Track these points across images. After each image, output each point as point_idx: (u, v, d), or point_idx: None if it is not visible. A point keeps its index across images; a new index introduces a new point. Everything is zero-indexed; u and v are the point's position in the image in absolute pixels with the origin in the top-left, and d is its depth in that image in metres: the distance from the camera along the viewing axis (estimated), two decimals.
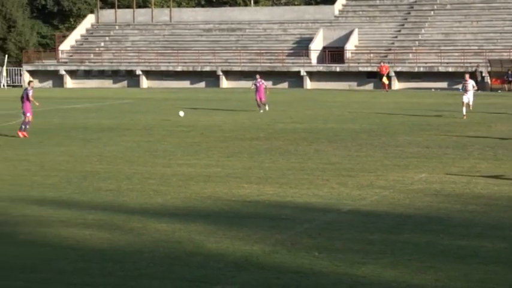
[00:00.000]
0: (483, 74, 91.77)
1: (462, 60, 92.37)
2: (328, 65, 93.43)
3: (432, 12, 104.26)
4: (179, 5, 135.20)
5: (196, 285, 16.94)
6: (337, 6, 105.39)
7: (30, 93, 46.09)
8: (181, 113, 35.04)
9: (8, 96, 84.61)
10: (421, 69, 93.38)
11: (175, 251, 20.01)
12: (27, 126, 41.34)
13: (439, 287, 17.21)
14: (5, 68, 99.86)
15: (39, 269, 18.51)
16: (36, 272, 18.33)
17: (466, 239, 21.23)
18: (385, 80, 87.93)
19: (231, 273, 18.00)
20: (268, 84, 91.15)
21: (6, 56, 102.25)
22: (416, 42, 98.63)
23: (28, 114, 41.82)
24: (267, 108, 62.77)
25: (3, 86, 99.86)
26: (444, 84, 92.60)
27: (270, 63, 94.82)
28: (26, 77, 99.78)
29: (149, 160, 36.15)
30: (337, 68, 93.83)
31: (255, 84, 63.14)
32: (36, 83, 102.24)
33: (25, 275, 18.05)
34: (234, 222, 23.40)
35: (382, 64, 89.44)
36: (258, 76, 64.81)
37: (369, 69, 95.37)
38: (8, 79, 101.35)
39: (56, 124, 54.17)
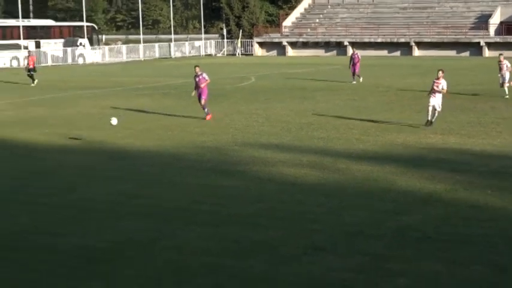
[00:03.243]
0: None
1: None
2: (504, 36, 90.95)
3: None
4: None
5: (389, 215, 17.06)
6: None
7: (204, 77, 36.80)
8: (114, 121, 28.15)
9: (242, 62, 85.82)
10: None
11: (373, 187, 20.14)
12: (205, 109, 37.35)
13: None
14: (239, 40, 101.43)
15: (265, 200, 18.95)
16: (263, 202, 18.79)
17: None
18: None
19: (418, 207, 18.03)
20: (451, 53, 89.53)
21: (241, 30, 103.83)
22: None
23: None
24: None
25: (238, 54, 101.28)
26: None
27: (455, 35, 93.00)
28: (256, 48, 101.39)
29: (353, 114, 36.12)
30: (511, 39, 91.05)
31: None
32: (263, 52, 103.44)
33: (253, 205, 18.51)
34: (421, 165, 23.28)
35: None
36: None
37: None
38: (242, 49, 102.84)
39: (279, 85, 54.55)
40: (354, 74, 56.11)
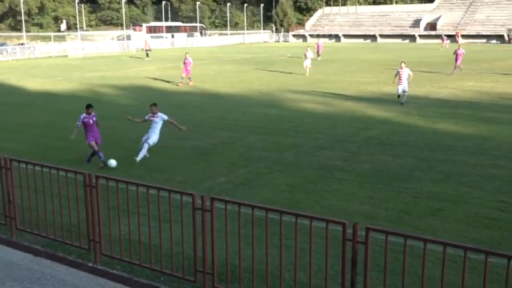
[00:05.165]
0: None
1: None
2: (428, 31, 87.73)
3: None
4: None
5: (361, 130, 16.83)
6: None
7: None
8: (113, 163, 12.68)
9: (283, 46, 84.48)
10: None
11: (353, 115, 19.90)
12: None
13: (487, 137, 16.34)
14: (282, 33, 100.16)
15: (293, 121, 18.79)
16: (292, 122, 18.64)
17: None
18: None
19: (378, 125, 17.72)
20: (398, 40, 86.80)
21: (283, 28, 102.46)
22: None
23: None
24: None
25: (281, 41, 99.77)
26: None
27: (401, 30, 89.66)
28: (291, 38, 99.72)
29: (343, 74, 35.31)
30: None
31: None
32: (295, 40, 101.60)
33: (286, 124, 18.33)
34: (380, 102, 22.82)
35: None
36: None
37: None
38: (283, 38, 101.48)
39: (302, 57, 53.20)
40: (318, 54, 48.74)
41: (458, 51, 34.24)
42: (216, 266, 6.52)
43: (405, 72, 21.84)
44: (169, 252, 6.94)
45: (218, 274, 6.65)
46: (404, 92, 21.92)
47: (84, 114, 13.01)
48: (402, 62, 22.51)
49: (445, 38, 68.90)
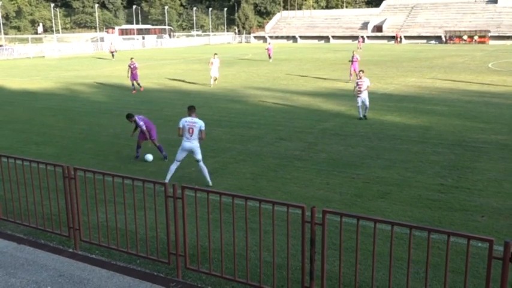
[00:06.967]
0: None
1: None
2: (375, 32, 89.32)
3: None
4: None
5: (317, 122, 16.92)
6: None
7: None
8: (149, 157, 12.52)
9: (245, 46, 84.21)
10: None
11: (310, 109, 19.96)
12: None
13: (425, 126, 16.64)
14: (244, 35, 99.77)
15: (256, 115, 18.73)
16: (255, 116, 18.58)
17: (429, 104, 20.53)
18: None
19: (332, 118, 17.83)
20: (349, 41, 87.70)
21: (245, 30, 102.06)
22: None
23: None
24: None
25: (243, 42, 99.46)
26: None
27: (351, 32, 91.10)
28: (252, 39, 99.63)
29: (300, 72, 35.47)
30: None
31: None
32: (256, 41, 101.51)
33: (250, 117, 18.26)
34: (334, 97, 23.00)
35: None
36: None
37: None
38: (245, 40, 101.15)
39: (263, 57, 53.07)
40: (269, 56, 46.00)
41: (354, 58, 29.59)
42: (187, 249, 6.49)
43: (365, 82, 17.85)
44: (144, 237, 6.88)
45: (190, 256, 6.63)
46: (364, 104, 17.88)
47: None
48: (361, 71, 18.78)
49: (360, 39, 68.40)
